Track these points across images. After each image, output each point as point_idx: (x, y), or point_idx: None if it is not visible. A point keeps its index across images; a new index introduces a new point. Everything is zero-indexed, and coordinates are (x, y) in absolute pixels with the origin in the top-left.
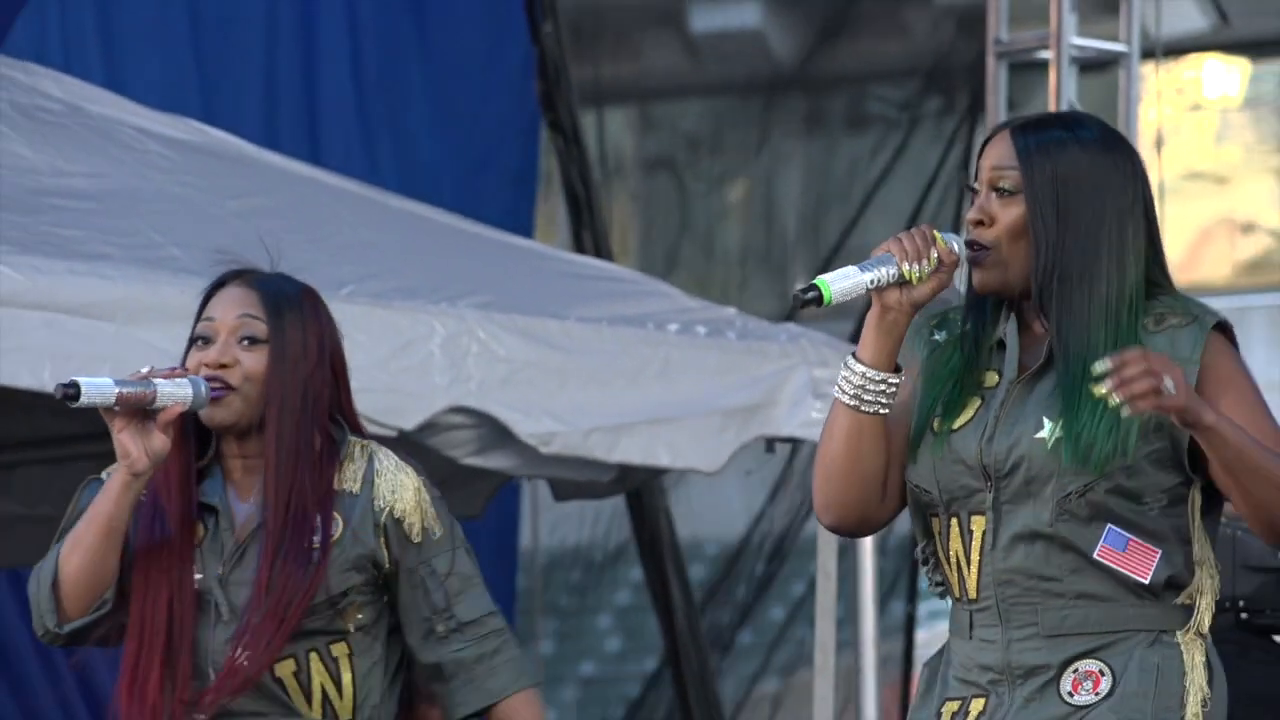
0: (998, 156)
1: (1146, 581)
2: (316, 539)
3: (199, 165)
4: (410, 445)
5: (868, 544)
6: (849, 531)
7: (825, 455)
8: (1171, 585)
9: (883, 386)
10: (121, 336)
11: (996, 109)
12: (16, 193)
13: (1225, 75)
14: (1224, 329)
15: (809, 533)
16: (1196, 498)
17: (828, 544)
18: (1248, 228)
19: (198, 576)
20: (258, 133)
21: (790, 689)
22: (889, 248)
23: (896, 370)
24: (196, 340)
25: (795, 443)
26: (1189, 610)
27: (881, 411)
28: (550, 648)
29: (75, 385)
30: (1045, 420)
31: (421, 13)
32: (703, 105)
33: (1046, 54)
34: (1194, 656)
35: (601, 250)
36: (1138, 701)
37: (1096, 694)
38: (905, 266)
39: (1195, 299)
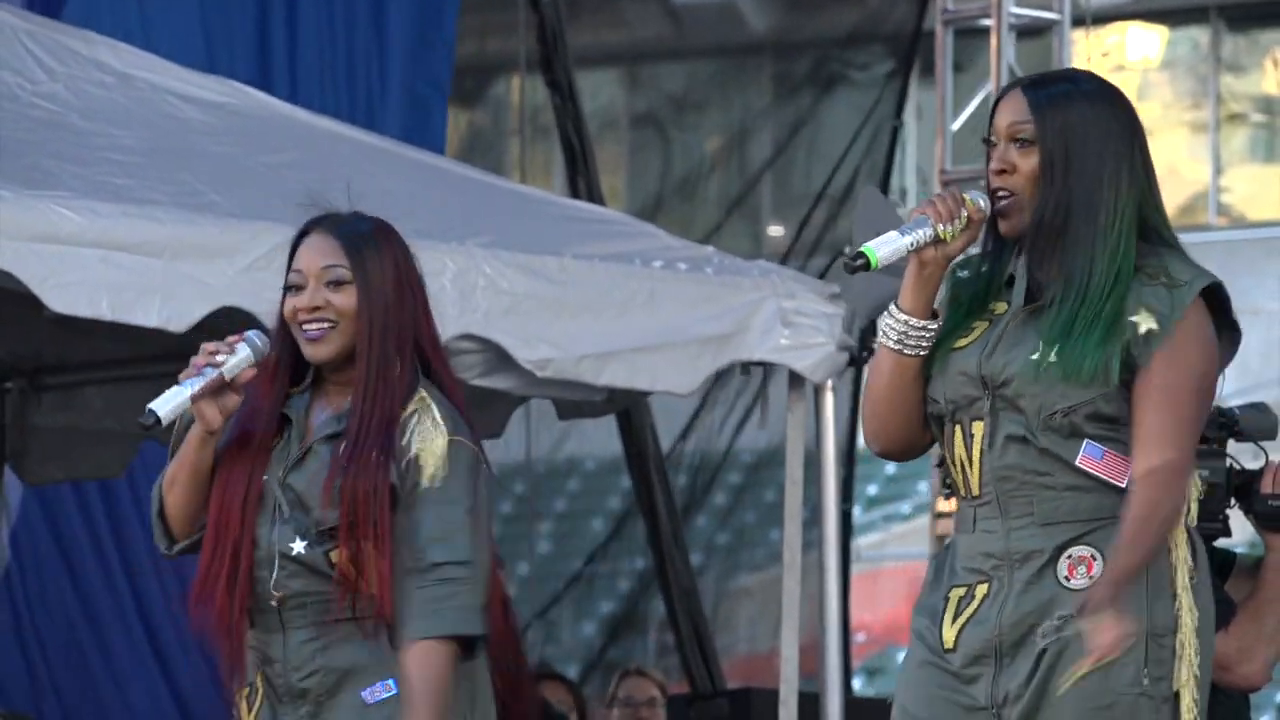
0: (1014, 112)
1: (1124, 486)
2: (378, 456)
3: (236, 125)
4: None
5: (830, 455)
6: (896, 457)
7: (873, 394)
8: None
9: (923, 332)
10: (169, 271)
11: (944, 70)
12: (74, 149)
13: (1146, 41)
14: (1210, 293)
15: (779, 446)
16: None
17: (795, 455)
18: (1166, 176)
19: (264, 478)
20: (252, 74)
21: (762, 584)
22: (924, 210)
23: (934, 316)
24: (289, 289)
25: (765, 366)
26: None
27: (922, 353)
28: (547, 547)
29: (153, 414)
30: (1040, 345)
31: None
32: (684, 68)
33: (988, 22)
34: (1177, 537)
35: (594, 195)
36: (1132, 587)
37: (1090, 577)
38: (940, 227)
39: (1192, 261)
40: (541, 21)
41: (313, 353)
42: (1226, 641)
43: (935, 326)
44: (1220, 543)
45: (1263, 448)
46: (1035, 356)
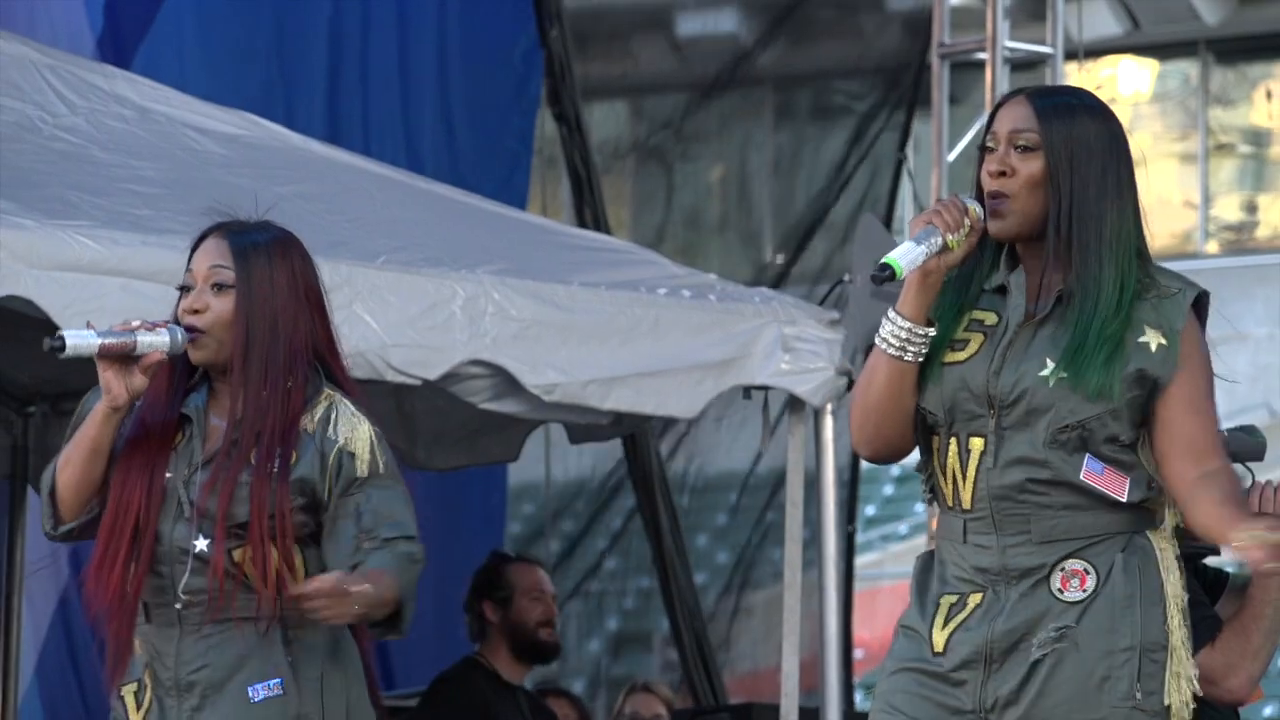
0: (1017, 118)
1: (1124, 499)
2: (276, 464)
3: (252, 157)
4: (435, 392)
5: (829, 477)
6: (884, 461)
7: (868, 399)
8: (1143, 501)
9: (924, 339)
10: None
11: (940, 102)
12: (94, 180)
13: (1137, 74)
14: (1199, 304)
15: (780, 468)
16: None
17: (795, 477)
18: (1156, 206)
19: (168, 475)
20: (323, 128)
21: (764, 602)
22: (931, 219)
23: (930, 324)
24: (182, 290)
25: (767, 390)
26: (1157, 515)
27: (920, 360)
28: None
29: (61, 339)
30: (1049, 360)
31: (444, 13)
32: (687, 99)
33: (983, 55)
34: (1167, 554)
35: (600, 224)
36: (1125, 601)
37: (1084, 591)
38: (949, 236)
39: (1170, 270)
40: (549, 55)
41: (192, 354)
42: (1212, 656)
43: (934, 333)
44: (1214, 561)
45: (1249, 469)
46: (1045, 373)
